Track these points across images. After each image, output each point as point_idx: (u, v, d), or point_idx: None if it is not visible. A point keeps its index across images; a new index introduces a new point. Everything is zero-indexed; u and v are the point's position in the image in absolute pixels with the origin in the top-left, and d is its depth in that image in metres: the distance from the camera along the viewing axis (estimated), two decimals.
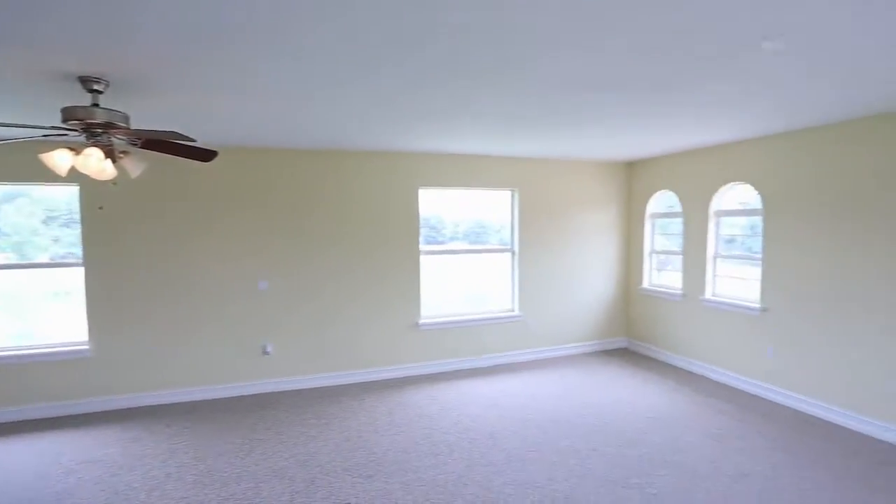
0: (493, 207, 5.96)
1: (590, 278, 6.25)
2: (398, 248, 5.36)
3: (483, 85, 2.81)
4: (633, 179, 6.30)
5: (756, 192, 4.67)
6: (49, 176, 3.16)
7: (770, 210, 4.53)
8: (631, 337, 6.44)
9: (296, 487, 3.17)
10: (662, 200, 5.98)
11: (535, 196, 5.88)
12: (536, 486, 3.15)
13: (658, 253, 6.11)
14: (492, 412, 4.38)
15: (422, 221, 5.55)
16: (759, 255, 4.64)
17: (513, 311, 5.93)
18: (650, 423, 4.08)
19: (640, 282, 6.21)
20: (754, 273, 4.73)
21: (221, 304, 4.80)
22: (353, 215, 5.17)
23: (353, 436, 3.92)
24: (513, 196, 5.86)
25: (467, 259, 5.96)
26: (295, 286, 5.01)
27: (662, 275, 6.09)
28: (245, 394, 4.90)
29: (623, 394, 4.79)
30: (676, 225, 5.71)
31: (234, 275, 4.83)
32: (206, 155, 3.07)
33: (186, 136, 2.52)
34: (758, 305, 4.64)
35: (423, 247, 5.56)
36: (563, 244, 6.07)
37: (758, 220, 4.71)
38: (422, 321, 5.49)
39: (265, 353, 4.95)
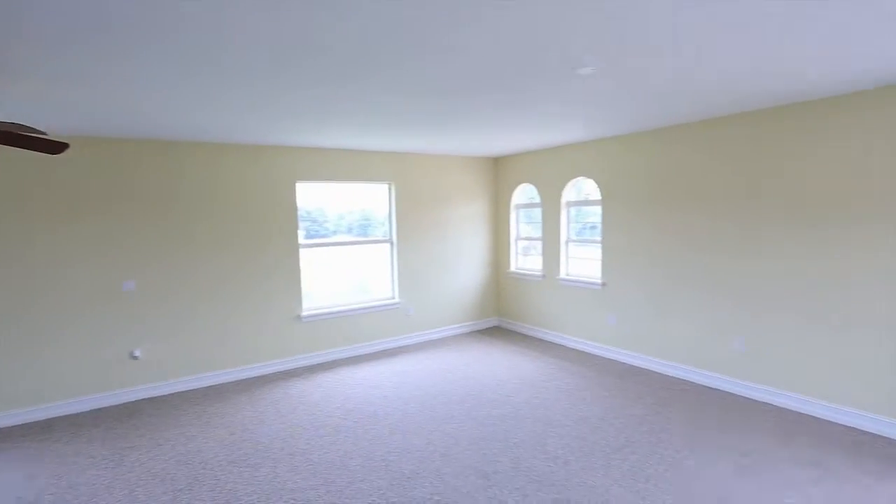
0: (377, 199, 6.20)
1: (463, 265, 6.82)
2: (277, 242, 5.35)
3: (347, 87, 3.05)
4: (499, 173, 6.97)
5: (596, 186, 5.54)
6: None
7: (607, 200, 5.41)
8: (502, 316, 7.15)
9: (178, 486, 3.14)
10: (525, 192, 6.72)
11: (411, 189, 6.24)
12: (416, 450, 3.51)
13: (523, 239, 6.86)
14: (374, 393, 4.66)
15: (304, 215, 5.59)
16: (600, 239, 5.54)
17: (393, 298, 6.25)
18: (515, 387, 4.69)
19: (509, 266, 6.93)
20: (599, 254, 5.63)
21: (79, 308, 4.39)
22: (229, 209, 5.04)
23: (238, 430, 3.93)
24: (390, 189, 6.16)
25: (352, 250, 6.13)
26: (166, 285, 4.76)
27: (528, 259, 6.86)
28: (112, 404, 4.56)
29: (493, 365, 5.39)
30: (537, 214, 6.48)
31: (94, 275, 4.44)
32: (54, 147, 2.86)
33: (34, 129, 2.37)
34: (599, 281, 5.54)
35: (303, 240, 5.61)
36: (439, 234, 6.54)
37: (599, 209, 5.59)
38: (304, 313, 5.55)
39: (133, 357, 4.64)
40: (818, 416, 3.83)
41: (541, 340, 6.35)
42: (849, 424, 3.67)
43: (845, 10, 2.07)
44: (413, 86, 3.04)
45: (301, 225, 5.57)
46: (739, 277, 4.26)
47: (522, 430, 3.79)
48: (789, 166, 3.89)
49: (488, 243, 7.07)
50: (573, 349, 5.91)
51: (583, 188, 5.92)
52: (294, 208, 5.44)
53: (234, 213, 5.07)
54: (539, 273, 6.38)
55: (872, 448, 3.33)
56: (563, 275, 6.06)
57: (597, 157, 5.49)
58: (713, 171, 4.40)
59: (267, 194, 5.26)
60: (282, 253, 5.38)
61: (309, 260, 5.64)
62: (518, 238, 6.90)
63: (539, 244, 6.47)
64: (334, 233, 6.14)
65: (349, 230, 6.25)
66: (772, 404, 4.09)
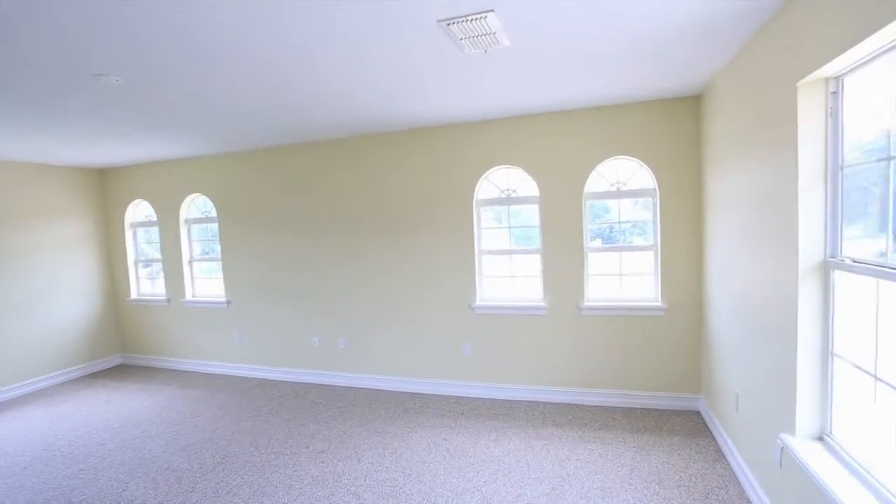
0: None
1: (65, 296, 5.59)
2: None
3: None
4: (108, 188, 6.03)
5: (212, 202, 5.43)
6: None
7: (223, 217, 5.37)
8: (127, 352, 6.20)
9: None
10: (142, 209, 6.02)
11: None
12: None
13: (143, 262, 6.12)
14: None
15: None
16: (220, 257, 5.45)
17: None
18: (110, 434, 4.08)
19: (129, 293, 6.06)
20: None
21: None
22: None
23: None
24: None
25: None
26: None
27: (156, 283, 6.15)
28: None
29: (90, 415, 4.58)
30: (157, 233, 5.89)
31: None
32: None
33: None
34: (223, 299, 5.45)
35: None
36: (22, 262, 5.16)
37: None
38: None
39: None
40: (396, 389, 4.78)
41: (171, 371, 5.78)
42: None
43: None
44: None
45: None
46: (342, 287, 4.91)
47: (100, 481, 3.32)
48: (367, 187, 4.73)
49: (100, 269, 6.00)
50: (204, 374, 5.61)
51: (204, 204, 5.71)
52: None
53: None
54: (163, 297, 5.81)
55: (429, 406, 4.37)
56: (189, 296, 5.69)
57: (211, 173, 5.39)
58: (316, 189, 4.93)
59: None
60: None
61: None
62: (137, 260, 6.12)
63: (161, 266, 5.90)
64: None
65: None
66: (368, 389, 4.88)
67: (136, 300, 6.00)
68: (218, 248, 5.52)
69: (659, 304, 3.94)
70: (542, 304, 4.23)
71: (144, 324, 6.00)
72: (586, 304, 4.09)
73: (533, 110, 3.96)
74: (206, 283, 5.70)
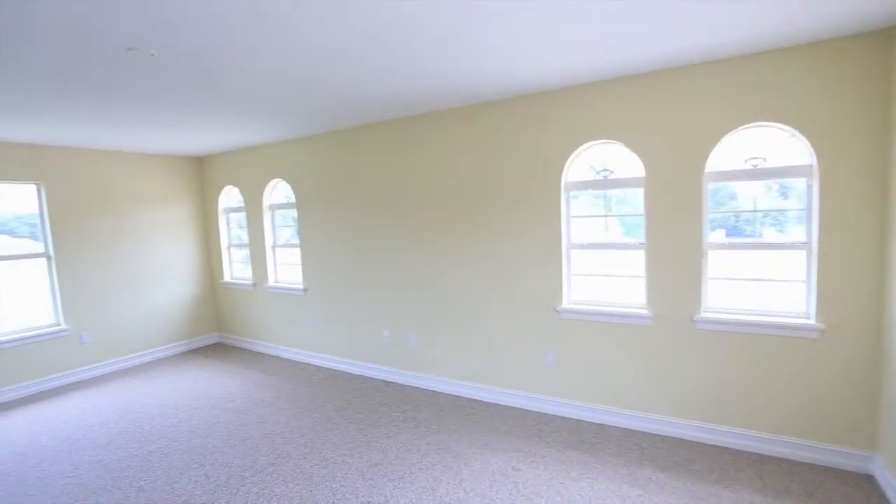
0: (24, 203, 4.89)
1: (168, 277, 5.94)
2: None
3: None
4: (206, 175, 6.28)
5: (291, 188, 5.34)
6: None
7: (301, 203, 5.25)
8: (222, 331, 6.48)
9: None
10: (233, 195, 6.18)
11: (77, 192, 5.12)
12: None
13: (235, 246, 6.30)
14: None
15: None
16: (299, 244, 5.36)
17: (57, 325, 5.05)
18: (188, 415, 4.14)
19: (223, 276, 6.30)
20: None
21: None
22: None
23: None
24: (39, 191, 4.94)
25: None
26: None
27: (247, 267, 6.33)
28: None
29: (180, 392, 4.73)
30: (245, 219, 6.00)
31: None
32: None
33: None
34: (301, 287, 5.36)
35: None
36: (126, 244, 5.54)
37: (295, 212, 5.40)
38: None
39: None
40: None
41: (256, 353, 5.90)
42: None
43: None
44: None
45: None
46: (413, 279, 4.51)
47: (160, 467, 3.30)
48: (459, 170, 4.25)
49: (200, 252, 6.31)
50: (284, 360, 5.62)
51: (287, 190, 5.67)
52: None
53: None
54: (250, 282, 5.92)
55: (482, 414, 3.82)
56: (271, 282, 5.72)
57: (289, 158, 5.29)
58: (388, 172, 4.57)
59: None
60: None
61: None
62: (230, 245, 6.32)
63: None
64: None
65: None
66: (436, 391, 4.45)
67: (228, 283, 6.22)
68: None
69: (811, 322, 2.91)
70: (645, 311, 3.42)
71: (235, 306, 6.20)
72: (704, 315, 3.20)
73: (638, 67, 3.13)
74: (288, 269, 5.68)
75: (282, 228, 5.74)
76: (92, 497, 3.00)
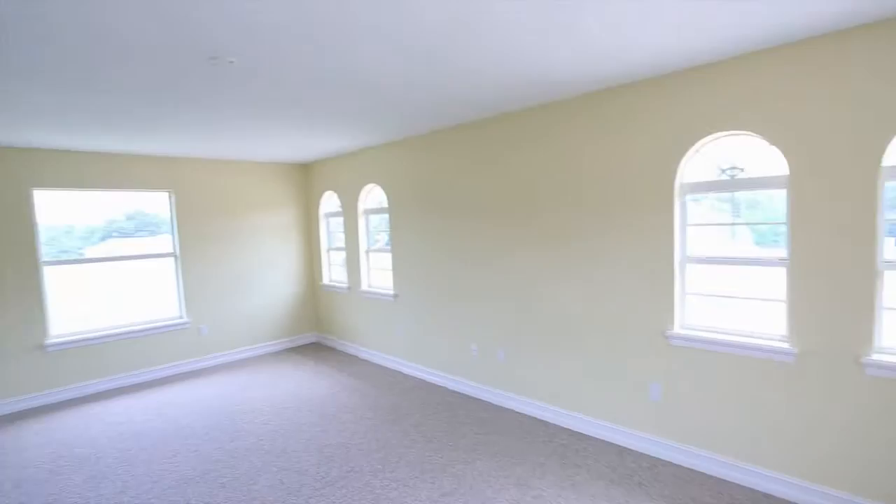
0: (160, 208, 5.51)
1: (272, 278, 6.31)
2: (7, 260, 4.50)
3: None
4: (309, 181, 6.56)
5: (384, 193, 5.31)
6: None
7: (393, 208, 5.19)
8: (320, 332, 6.72)
9: None
10: (333, 200, 6.37)
11: (200, 198, 5.63)
12: (105, 497, 2.97)
13: (334, 250, 6.49)
14: (108, 430, 4.03)
15: (48, 226, 4.79)
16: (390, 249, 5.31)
17: (180, 318, 5.59)
18: (277, 413, 4.25)
19: (322, 278, 6.53)
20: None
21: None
22: None
23: None
24: (170, 198, 5.50)
25: (128, 266, 5.37)
26: None
27: (343, 270, 6.49)
28: None
29: (277, 388, 4.92)
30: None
31: None
32: None
33: None
34: (392, 292, 5.30)
35: (49, 256, 4.80)
36: (238, 246, 5.98)
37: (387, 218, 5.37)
38: (50, 341, 4.73)
39: None
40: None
41: (349, 356, 6.00)
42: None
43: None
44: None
45: (44, 240, 4.77)
46: (502, 290, 4.19)
47: (243, 466, 3.37)
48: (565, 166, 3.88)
49: (302, 255, 6.62)
50: (374, 365, 5.61)
51: (381, 195, 5.68)
52: (30, 219, 4.61)
53: None
54: (346, 285, 6.04)
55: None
56: (364, 287, 5.77)
57: (382, 162, 5.27)
58: (478, 176, 4.30)
59: None
60: (15, 273, 4.54)
61: (57, 281, 4.85)
62: (329, 248, 6.52)
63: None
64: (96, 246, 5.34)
65: (122, 239, 5.49)
66: (525, 414, 4.05)
67: (327, 285, 6.43)
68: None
69: None
70: (786, 344, 2.70)
71: (332, 308, 6.39)
72: (877, 357, 2.42)
73: (783, 36, 2.48)
74: (381, 274, 5.68)
75: (377, 233, 5.77)
76: (183, 487, 3.14)
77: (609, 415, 3.51)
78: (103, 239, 5.35)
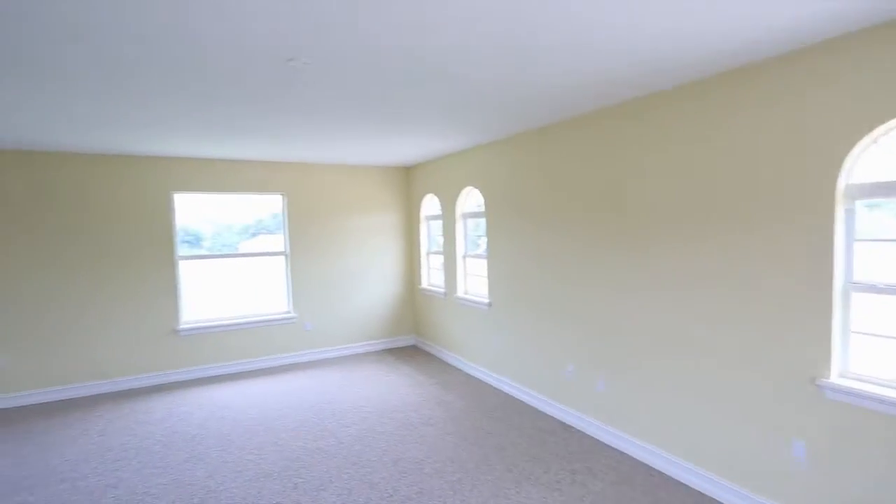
0: (272, 210, 5.94)
1: (373, 279, 6.42)
2: (152, 255, 5.15)
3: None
4: (411, 183, 6.55)
5: (481, 196, 5.05)
6: None
7: (490, 212, 4.90)
8: (418, 335, 6.68)
9: None
10: (433, 203, 6.27)
11: (308, 200, 5.93)
12: (185, 483, 3.16)
13: (434, 253, 6.39)
14: (208, 414, 4.37)
15: (187, 226, 5.41)
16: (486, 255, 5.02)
17: (288, 312, 5.93)
18: (363, 417, 4.23)
19: (420, 282, 6.47)
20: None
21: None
22: (98, 222, 4.91)
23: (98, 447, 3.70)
24: (283, 200, 5.87)
25: (243, 263, 5.88)
26: (21, 294, 4.64)
27: (441, 275, 6.37)
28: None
29: (367, 389, 4.94)
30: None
31: None
32: None
33: None
34: (486, 300, 5.01)
35: (183, 251, 5.41)
36: (342, 246, 6.18)
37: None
38: (182, 326, 5.32)
39: None
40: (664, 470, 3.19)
41: (443, 363, 5.84)
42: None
43: None
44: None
45: (183, 240, 5.42)
46: (603, 311, 3.67)
47: (318, 469, 3.36)
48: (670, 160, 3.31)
49: (403, 257, 6.65)
50: (465, 374, 5.37)
51: (479, 198, 5.43)
52: (170, 220, 5.23)
53: (103, 226, 4.92)
54: (442, 290, 5.90)
55: None
56: (460, 293, 5.56)
57: (480, 164, 5.00)
58: (583, 177, 3.84)
59: (142, 206, 5.09)
60: (159, 265, 5.18)
61: (192, 273, 5.47)
62: (429, 252, 6.44)
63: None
64: (223, 245, 5.91)
65: (243, 240, 6.01)
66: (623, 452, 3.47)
67: (425, 289, 6.36)
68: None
69: None
70: None
71: (430, 312, 6.30)
72: None
73: None
74: (477, 280, 5.44)
75: (477, 238, 5.54)
76: (261, 481, 3.21)
77: (730, 471, 2.81)
78: (254, 235, 5.98)
